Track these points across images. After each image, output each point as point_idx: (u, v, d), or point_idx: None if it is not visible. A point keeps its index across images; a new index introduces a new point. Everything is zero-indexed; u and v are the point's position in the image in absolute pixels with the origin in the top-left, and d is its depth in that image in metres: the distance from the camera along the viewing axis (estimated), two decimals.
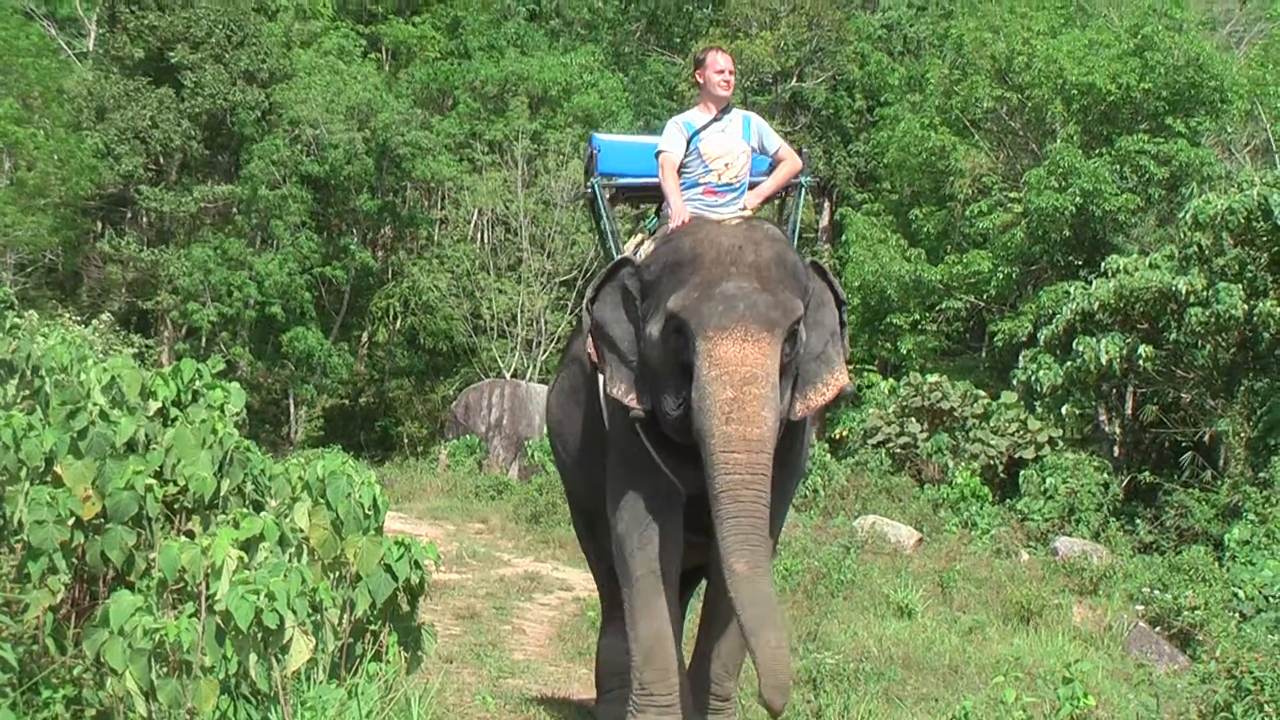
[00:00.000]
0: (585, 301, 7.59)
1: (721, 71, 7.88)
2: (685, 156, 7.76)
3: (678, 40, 48.70)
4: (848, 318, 7.66)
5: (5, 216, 32.49)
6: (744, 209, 7.76)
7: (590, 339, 7.51)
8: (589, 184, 8.91)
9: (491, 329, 35.74)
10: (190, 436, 7.09)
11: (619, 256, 7.82)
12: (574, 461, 8.77)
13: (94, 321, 22.54)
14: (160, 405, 7.58)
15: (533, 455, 27.21)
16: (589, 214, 9.89)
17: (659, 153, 7.81)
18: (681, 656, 7.72)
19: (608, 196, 8.82)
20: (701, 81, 8.00)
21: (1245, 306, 21.84)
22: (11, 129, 33.00)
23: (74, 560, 6.57)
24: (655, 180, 7.89)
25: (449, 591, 14.38)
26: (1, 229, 32.69)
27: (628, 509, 7.51)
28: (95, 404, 7.08)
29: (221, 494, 7.13)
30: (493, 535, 20.04)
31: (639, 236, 8.49)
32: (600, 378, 7.51)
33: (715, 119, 7.86)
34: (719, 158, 7.74)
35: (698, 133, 7.79)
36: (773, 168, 8.20)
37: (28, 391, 7.78)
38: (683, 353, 6.85)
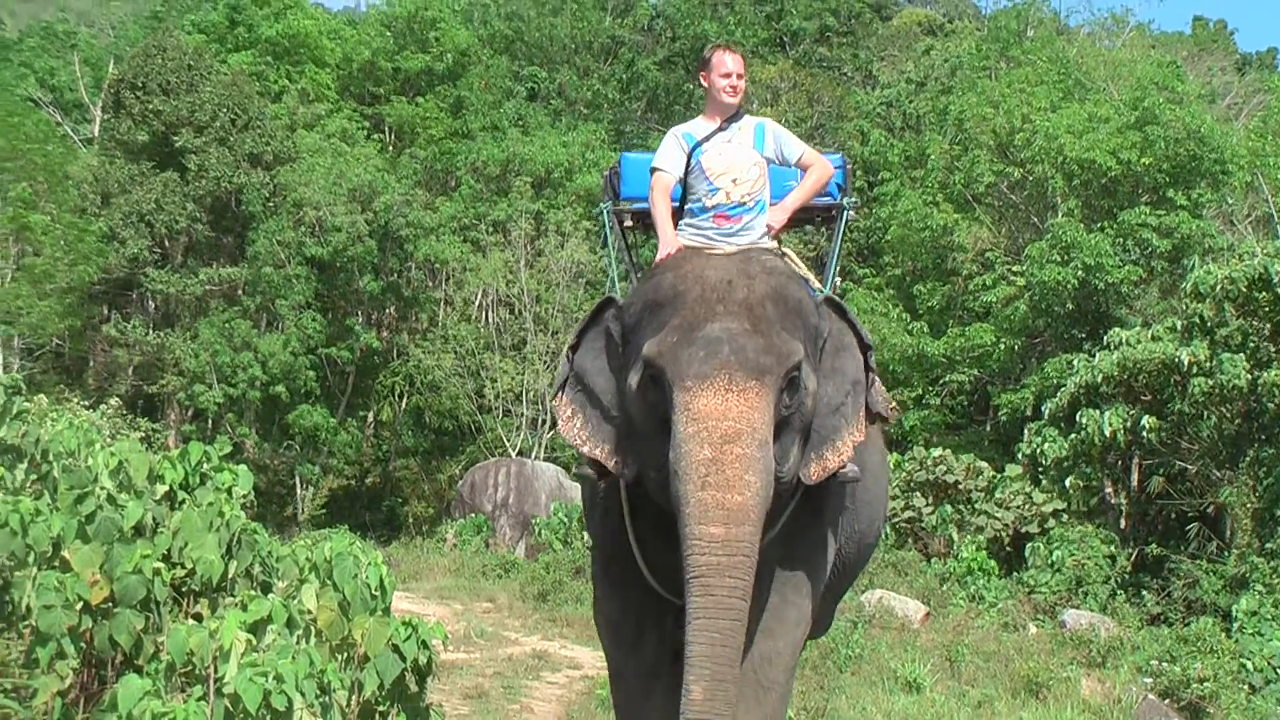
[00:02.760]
0: (566, 348, 6.61)
1: (728, 75, 6.68)
2: (687, 174, 6.64)
3: (678, 118, 48.90)
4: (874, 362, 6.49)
5: (18, 300, 32.66)
6: (768, 230, 6.62)
7: (560, 392, 6.47)
8: (599, 208, 8.06)
9: (496, 408, 35.76)
10: (198, 520, 7.10)
11: (605, 296, 6.69)
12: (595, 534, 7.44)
13: (101, 406, 22.62)
14: (168, 489, 7.60)
15: (540, 533, 27.12)
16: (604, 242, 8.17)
17: (652, 169, 6.77)
18: None
19: (627, 223, 7.94)
20: (706, 86, 6.81)
21: (1249, 377, 21.87)
22: (22, 213, 33.25)
23: (82, 645, 6.57)
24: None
25: (457, 671, 14.35)
26: (11, 313, 32.84)
27: (617, 595, 6.64)
28: (103, 488, 7.09)
29: (229, 576, 7.14)
30: (500, 614, 20.00)
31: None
32: (570, 438, 6.39)
33: (720, 129, 6.71)
34: (724, 173, 6.50)
35: (699, 145, 6.65)
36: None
37: (36, 476, 7.81)
38: (661, 407, 5.83)
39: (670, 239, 6.45)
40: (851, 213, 7.74)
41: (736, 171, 6.51)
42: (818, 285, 6.93)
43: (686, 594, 5.56)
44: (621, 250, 7.87)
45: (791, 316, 5.98)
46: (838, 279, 7.41)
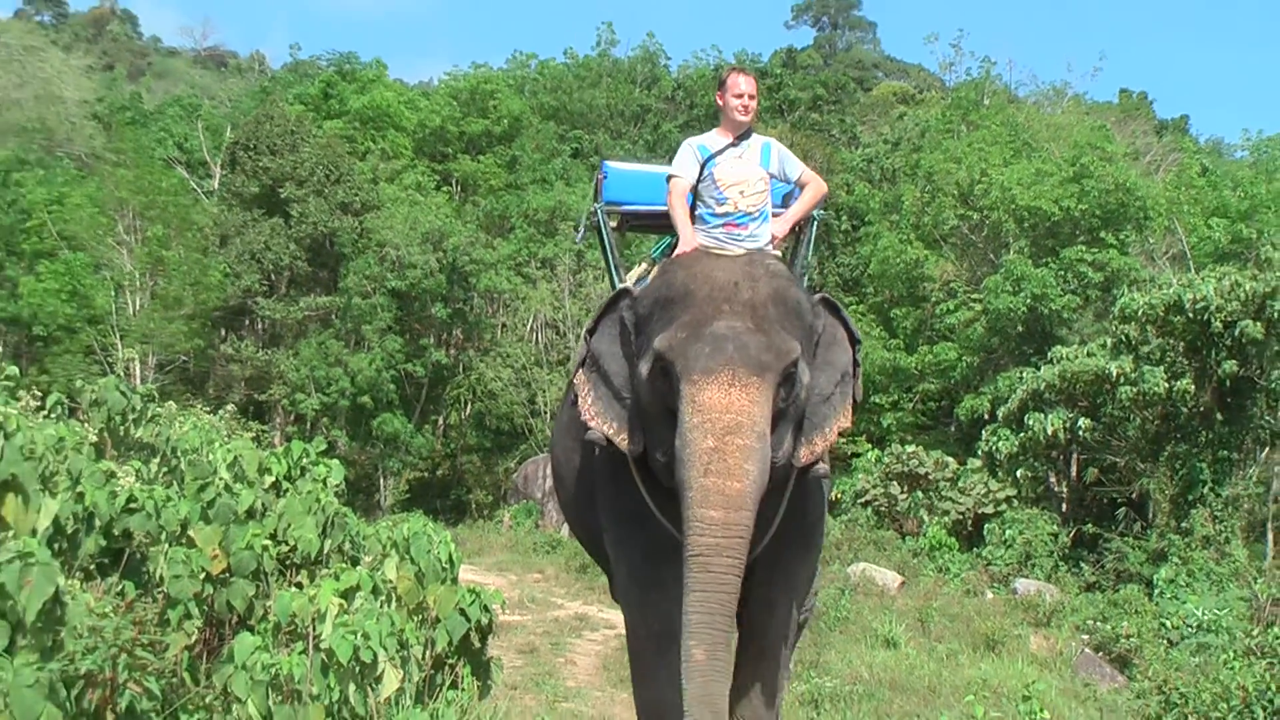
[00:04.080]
0: (584, 332, 6.14)
1: (741, 95, 6.23)
2: (699, 183, 6.17)
3: None
4: (861, 357, 6.06)
5: (152, 323, 33.10)
6: (770, 239, 6.14)
7: (579, 371, 6.04)
8: (592, 210, 7.49)
9: (545, 413, 35.73)
10: (298, 505, 7.12)
11: (619, 287, 6.27)
12: (570, 500, 7.14)
13: (219, 411, 22.63)
14: (274, 479, 7.62)
15: None
16: (596, 241, 7.67)
17: (669, 177, 6.29)
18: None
19: (614, 225, 7.39)
20: (721, 104, 6.34)
21: (1166, 385, 21.96)
22: (157, 250, 33.70)
23: (205, 608, 6.59)
24: (663, 209, 6.35)
25: (513, 630, 14.35)
26: (147, 334, 33.24)
27: (625, 561, 6.20)
28: (221, 479, 7.13)
29: (324, 552, 7.16)
30: (548, 583, 19.98)
31: (641, 265, 7.04)
32: (584, 413, 5.92)
33: (732, 144, 6.22)
34: (734, 185, 6.06)
35: (712, 157, 6.18)
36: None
37: (166, 469, 7.86)
38: (669, 396, 5.42)
39: (689, 238, 6.00)
40: (819, 224, 7.22)
41: (745, 185, 6.07)
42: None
43: (685, 569, 5.22)
44: (610, 245, 7.33)
45: (791, 316, 5.57)
46: (814, 278, 6.96)
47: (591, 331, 6.05)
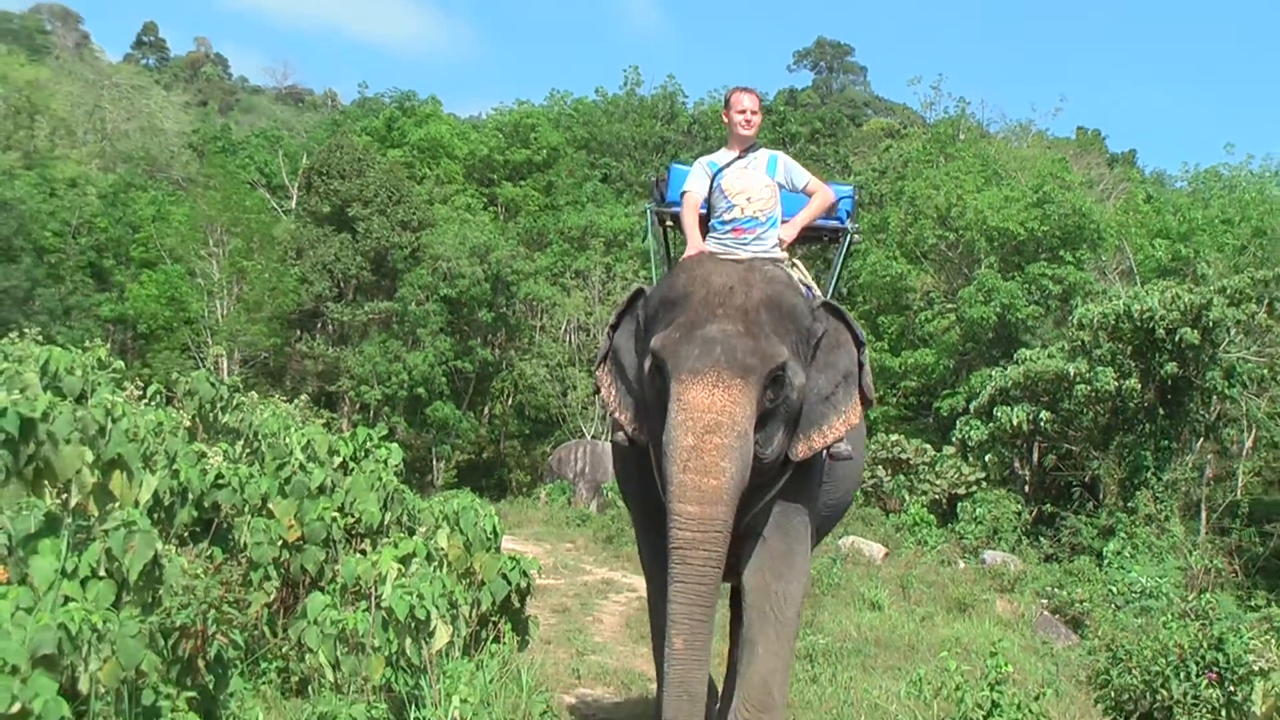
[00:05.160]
0: (608, 327, 5.87)
1: (743, 112, 6.07)
2: (710, 195, 5.97)
3: None
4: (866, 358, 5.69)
5: (237, 325, 33.47)
6: (779, 243, 5.90)
7: (602, 363, 5.84)
8: (645, 207, 7.24)
9: (575, 404, 35.81)
10: (363, 482, 7.16)
11: (637, 286, 6.00)
12: (620, 477, 6.73)
13: (295, 400, 22.71)
14: (342, 460, 7.66)
15: (607, 494, 27.02)
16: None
17: (683, 192, 6.10)
18: (713, 687, 6.13)
19: (667, 223, 6.93)
20: (727, 121, 6.18)
21: (1116, 384, 22.13)
22: (239, 261, 33.97)
23: (282, 571, 6.66)
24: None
25: (548, 593, 14.34)
26: (232, 334, 33.50)
27: (647, 543, 5.84)
28: (296, 459, 7.16)
29: (385, 523, 7.19)
30: (579, 552, 19.94)
31: None
32: (607, 402, 5.78)
33: (739, 157, 6.07)
34: (740, 193, 5.82)
35: (720, 170, 5.99)
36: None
37: (249, 450, 7.91)
38: (664, 392, 5.14)
39: (697, 242, 5.80)
40: (857, 236, 6.99)
41: (750, 192, 5.83)
42: (818, 293, 6.17)
43: (669, 562, 4.99)
44: (660, 243, 7.12)
45: (784, 321, 5.29)
46: (841, 289, 6.60)
47: (615, 327, 5.84)
